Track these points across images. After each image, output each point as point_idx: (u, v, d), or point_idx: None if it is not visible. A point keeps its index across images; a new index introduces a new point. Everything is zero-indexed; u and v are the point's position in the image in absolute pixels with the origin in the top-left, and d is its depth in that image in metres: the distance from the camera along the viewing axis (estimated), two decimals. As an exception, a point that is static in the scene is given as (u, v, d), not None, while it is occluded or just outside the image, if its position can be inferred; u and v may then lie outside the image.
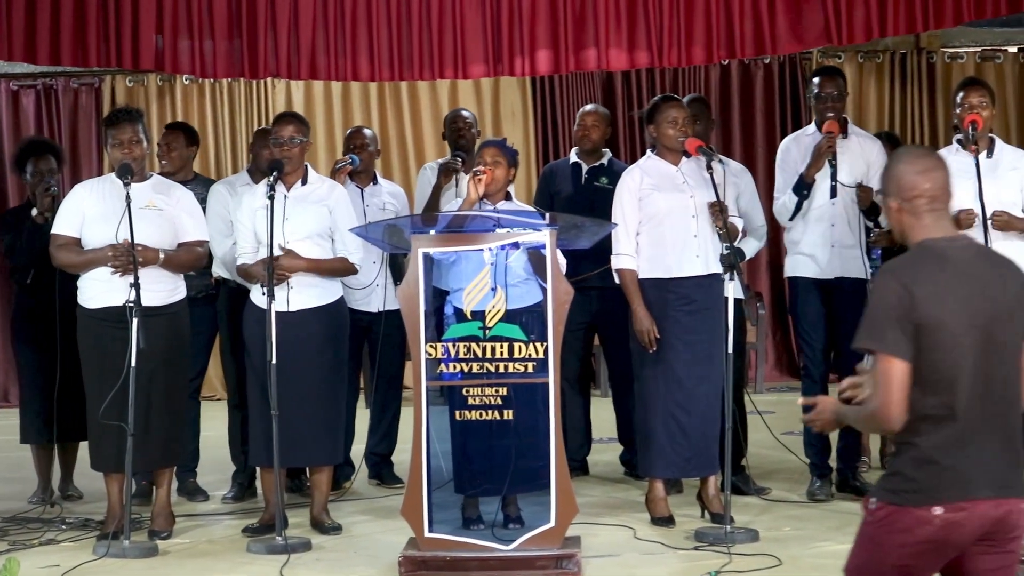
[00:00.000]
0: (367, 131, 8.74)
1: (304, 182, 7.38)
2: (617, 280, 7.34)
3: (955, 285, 4.01)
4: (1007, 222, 7.14)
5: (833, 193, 7.80)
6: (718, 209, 7.11)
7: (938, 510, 3.97)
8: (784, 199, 7.88)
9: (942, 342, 3.97)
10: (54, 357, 7.69)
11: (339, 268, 7.34)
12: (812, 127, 8.05)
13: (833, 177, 7.79)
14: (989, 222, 7.03)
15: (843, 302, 7.83)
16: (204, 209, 7.66)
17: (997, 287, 4.06)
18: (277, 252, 7.05)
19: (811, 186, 7.77)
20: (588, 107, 9.00)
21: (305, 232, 7.22)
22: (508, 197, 7.09)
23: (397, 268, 8.28)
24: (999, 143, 7.40)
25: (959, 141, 7.34)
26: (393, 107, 13.32)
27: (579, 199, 8.40)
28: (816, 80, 8.03)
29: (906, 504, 3.99)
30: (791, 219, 7.88)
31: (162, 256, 7.12)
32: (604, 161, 8.64)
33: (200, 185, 8.17)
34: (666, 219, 7.28)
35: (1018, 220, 7.18)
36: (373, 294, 8.26)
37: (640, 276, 7.26)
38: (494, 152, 7.07)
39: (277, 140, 7.32)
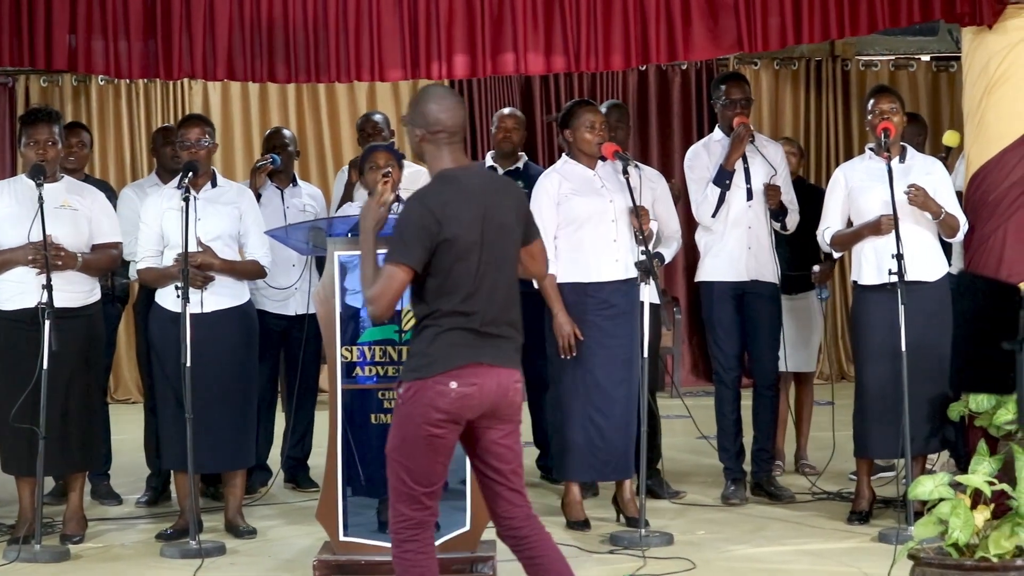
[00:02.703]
0: (287, 132, 8.74)
1: (214, 184, 7.37)
2: (536, 284, 7.34)
3: (467, 207, 4.88)
4: (923, 200, 7.16)
5: (749, 195, 7.87)
6: (637, 214, 7.14)
7: (453, 384, 4.83)
8: (706, 192, 7.86)
9: (459, 255, 4.84)
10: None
11: (252, 270, 7.35)
12: (719, 133, 8.09)
13: (748, 180, 7.86)
14: (906, 196, 7.08)
15: (756, 307, 7.90)
16: None
17: (496, 207, 4.95)
18: (194, 251, 7.03)
19: (732, 175, 7.80)
20: (506, 110, 9.03)
21: (217, 233, 7.21)
22: (399, 200, 7.10)
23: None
24: (911, 150, 7.48)
25: (872, 148, 7.43)
26: (311, 109, 13.29)
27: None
28: (723, 87, 8.08)
29: (426, 376, 4.82)
30: (714, 215, 7.89)
31: (80, 260, 7.07)
32: (519, 165, 8.66)
33: (93, 185, 8.02)
34: (586, 223, 7.28)
35: (932, 202, 7.19)
36: (291, 298, 8.24)
37: (558, 280, 7.26)
38: (387, 156, 7.08)
39: (184, 143, 7.29)
